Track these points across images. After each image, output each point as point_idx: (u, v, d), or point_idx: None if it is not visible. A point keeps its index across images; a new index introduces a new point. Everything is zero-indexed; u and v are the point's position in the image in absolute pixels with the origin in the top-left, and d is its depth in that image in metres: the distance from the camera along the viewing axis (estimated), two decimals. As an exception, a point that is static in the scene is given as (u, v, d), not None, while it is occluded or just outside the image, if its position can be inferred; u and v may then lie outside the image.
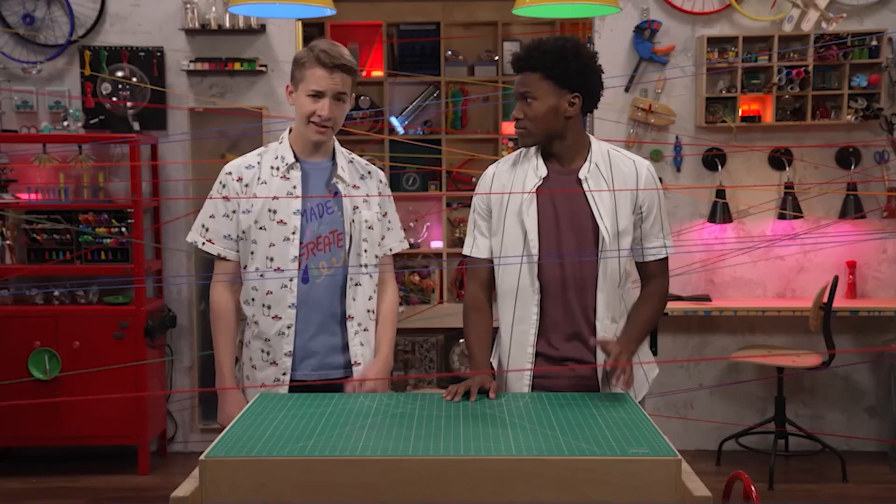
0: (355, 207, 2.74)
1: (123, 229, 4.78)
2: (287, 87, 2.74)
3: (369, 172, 2.84)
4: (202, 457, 1.92)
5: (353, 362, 2.75)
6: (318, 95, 2.65)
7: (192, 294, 5.14)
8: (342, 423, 2.15)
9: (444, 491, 1.90)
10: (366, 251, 2.76)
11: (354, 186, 2.77)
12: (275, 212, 2.67)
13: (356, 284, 2.75)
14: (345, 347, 2.75)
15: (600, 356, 2.55)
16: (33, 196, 4.90)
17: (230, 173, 2.73)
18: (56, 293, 4.83)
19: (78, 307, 4.84)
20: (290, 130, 2.78)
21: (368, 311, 2.79)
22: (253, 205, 2.68)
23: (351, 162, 2.82)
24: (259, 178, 2.70)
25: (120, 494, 4.56)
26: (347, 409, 2.29)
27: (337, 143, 2.81)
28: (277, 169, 2.70)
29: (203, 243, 2.73)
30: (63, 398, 4.60)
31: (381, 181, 2.86)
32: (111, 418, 4.76)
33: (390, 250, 2.87)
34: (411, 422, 2.17)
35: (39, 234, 4.79)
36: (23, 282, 5.02)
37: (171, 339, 5.14)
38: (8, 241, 4.81)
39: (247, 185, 2.69)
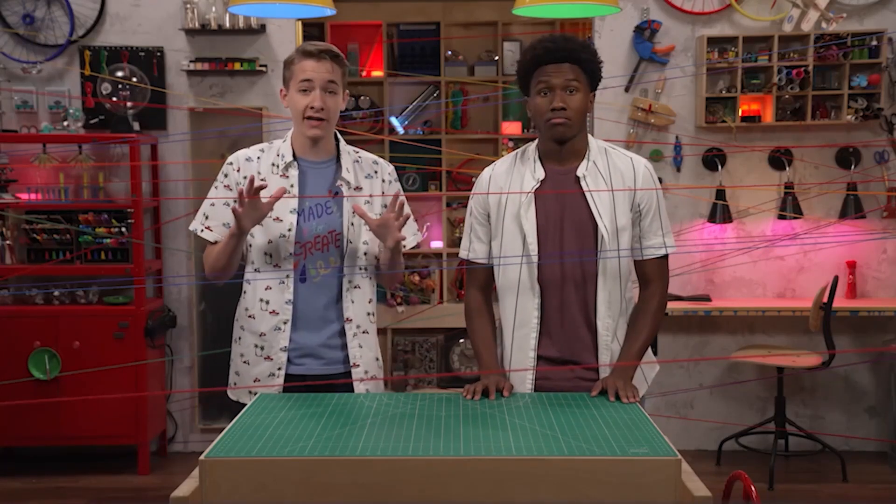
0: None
1: (123, 229, 4.78)
2: (280, 91, 2.77)
3: (375, 171, 2.80)
4: (202, 457, 1.92)
5: (352, 364, 2.75)
6: (308, 87, 2.64)
7: (192, 294, 5.13)
8: (342, 423, 2.15)
9: (444, 491, 1.90)
10: (365, 254, 2.75)
11: (357, 188, 2.75)
12: (272, 209, 2.66)
13: (355, 287, 2.75)
14: (343, 347, 2.75)
15: (602, 357, 2.55)
16: (33, 196, 4.90)
17: (232, 163, 2.77)
18: (56, 293, 4.83)
19: (78, 307, 4.83)
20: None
21: (368, 314, 2.78)
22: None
23: (357, 161, 2.80)
24: (259, 174, 2.70)
25: (120, 494, 4.56)
26: (347, 409, 2.29)
27: (342, 143, 2.80)
28: (277, 166, 2.72)
29: (202, 230, 2.76)
30: (63, 398, 4.59)
31: (388, 175, 2.82)
32: (111, 418, 4.76)
33: (404, 246, 2.76)
34: (411, 422, 2.17)
35: (39, 234, 4.79)
36: (23, 282, 5.02)
37: (171, 339, 5.14)
38: (8, 241, 4.80)
39: (245, 178, 2.69)
